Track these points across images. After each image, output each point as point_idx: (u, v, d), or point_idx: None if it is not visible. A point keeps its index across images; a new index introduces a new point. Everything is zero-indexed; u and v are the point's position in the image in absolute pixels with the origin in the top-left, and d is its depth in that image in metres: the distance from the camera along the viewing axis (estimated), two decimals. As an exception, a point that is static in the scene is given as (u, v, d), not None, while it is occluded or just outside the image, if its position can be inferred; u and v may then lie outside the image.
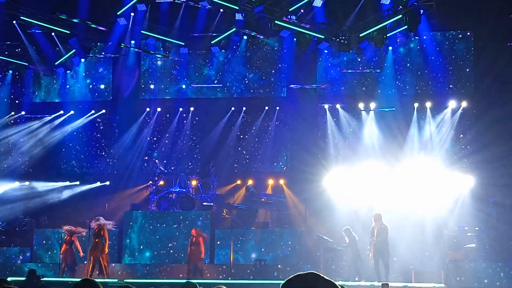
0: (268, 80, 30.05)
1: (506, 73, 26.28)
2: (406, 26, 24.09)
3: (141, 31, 27.82)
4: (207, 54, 29.91)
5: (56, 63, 29.09)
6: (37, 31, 28.06)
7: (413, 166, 27.36)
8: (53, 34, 28.63)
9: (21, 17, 27.11)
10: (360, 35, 24.42)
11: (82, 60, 29.73)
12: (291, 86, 28.89)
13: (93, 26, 26.90)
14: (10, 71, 30.56)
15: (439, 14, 26.61)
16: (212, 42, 27.58)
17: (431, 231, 25.07)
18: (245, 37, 28.33)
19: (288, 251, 25.72)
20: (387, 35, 25.08)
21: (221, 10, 26.48)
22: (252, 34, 26.40)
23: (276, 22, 24.76)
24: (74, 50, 28.76)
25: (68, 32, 27.97)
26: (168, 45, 28.44)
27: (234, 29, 26.63)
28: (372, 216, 22.41)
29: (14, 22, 27.51)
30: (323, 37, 25.03)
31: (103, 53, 30.15)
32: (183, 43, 28.24)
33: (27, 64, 28.86)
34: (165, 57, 28.55)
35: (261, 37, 27.28)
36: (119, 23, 27.33)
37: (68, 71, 29.82)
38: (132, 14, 27.20)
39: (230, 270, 24.45)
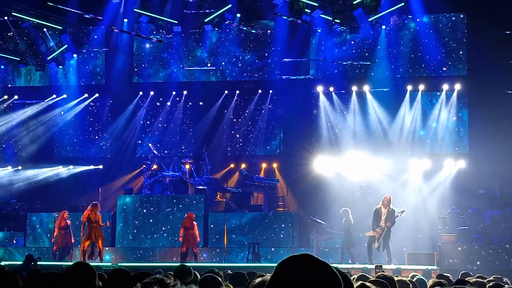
0: (261, 63, 29.98)
1: (500, 56, 26.27)
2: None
3: (134, 9, 27.71)
4: (200, 35, 29.84)
5: (48, 58, 29.03)
6: (29, 26, 28.07)
7: (407, 150, 27.47)
8: (45, 29, 28.66)
9: (12, 13, 27.01)
10: (354, 2, 24.29)
11: (74, 55, 29.71)
12: (284, 77, 28.86)
13: (85, 16, 26.76)
14: (2, 66, 30.59)
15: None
16: (205, 20, 27.47)
17: (423, 213, 25.17)
18: (238, 15, 28.22)
19: (281, 234, 25.77)
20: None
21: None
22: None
23: None
24: (66, 46, 28.77)
25: (60, 27, 28.02)
26: (161, 23, 28.36)
27: (229, 5, 26.63)
28: (385, 198, 22.16)
29: (6, 18, 27.44)
30: (316, 4, 24.90)
31: (95, 49, 30.19)
32: (176, 22, 28.15)
33: (19, 59, 28.81)
34: (159, 41, 28.47)
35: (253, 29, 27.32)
36: (111, 3, 27.20)
37: (60, 66, 29.73)
38: None
39: (223, 253, 24.50)
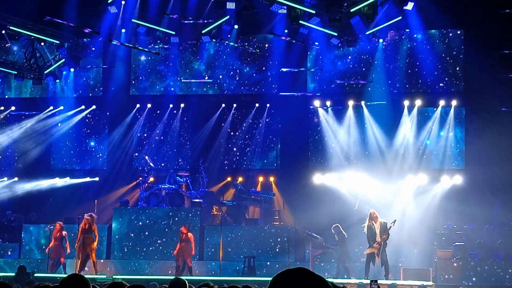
0: (259, 76, 30.03)
1: (496, 72, 26.33)
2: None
3: (132, 20, 27.78)
4: (198, 47, 29.91)
5: (45, 72, 29.07)
6: (26, 40, 28.16)
7: (404, 164, 27.49)
8: (42, 43, 28.74)
9: (10, 27, 27.08)
10: (351, 10, 24.35)
11: (72, 69, 29.75)
12: (281, 93, 28.90)
13: (83, 30, 26.81)
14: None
15: (430, 12, 26.71)
16: (203, 31, 27.54)
17: (419, 229, 25.15)
18: (236, 26, 28.29)
19: (277, 247, 25.73)
20: (378, 9, 24.95)
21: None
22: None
23: None
24: (63, 60, 28.83)
25: (57, 41, 28.10)
26: (158, 34, 28.43)
27: (227, 17, 26.71)
28: (371, 214, 22.07)
29: (3, 31, 27.50)
30: (314, 12, 24.96)
31: (92, 66, 30.29)
32: (173, 32, 28.20)
33: (16, 72, 28.85)
34: (156, 54, 28.52)
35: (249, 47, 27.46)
36: (109, 13, 27.25)
37: (57, 80, 29.77)
38: (123, 2, 27.19)
39: (219, 266, 24.45)
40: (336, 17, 24.63)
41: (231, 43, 28.44)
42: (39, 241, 27.00)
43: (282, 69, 28.73)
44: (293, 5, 24.45)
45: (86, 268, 22.95)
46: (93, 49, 30.27)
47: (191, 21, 27.48)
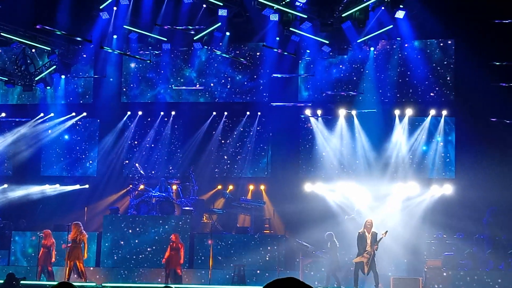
0: (250, 85, 30.05)
1: (487, 82, 26.39)
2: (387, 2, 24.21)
3: (124, 26, 27.76)
4: (189, 54, 29.92)
5: (36, 79, 29.03)
6: (17, 47, 28.10)
7: (394, 174, 27.51)
8: (33, 50, 28.69)
9: (1, 33, 27.04)
10: (343, 15, 24.38)
11: (62, 76, 29.70)
12: (272, 104, 28.91)
13: (75, 38, 26.77)
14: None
15: (421, 22, 26.80)
16: (194, 38, 27.54)
17: (409, 238, 25.16)
18: (228, 33, 28.29)
19: (267, 256, 25.70)
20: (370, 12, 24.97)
21: (204, 5, 26.47)
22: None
23: (259, 0, 24.67)
24: (54, 66, 28.79)
25: (49, 48, 28.07)
26: (150, 40, 28.43)
27: (219, 24, 26.73)
28: (367, 222, 21.92)
29: None
30: (305, 16, 24.99)
31: (80, 73, 30.40)
32: (165, 39, 28.20)
33: (6, 79, 28.79)
34: (148, 61, 28.51)
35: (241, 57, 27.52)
36: (101, 19, 27.22)
37: (48, 87, 29.71)
38: (115, 8, 27.18)
39: (208, 275, 24.39)
40: (328, 22, 24.64)
41: (223, 54, 28.46)
42: (28, 248, 26.88)
43: (274, 74, 28.73)
44: (285, 9, 24.47)
45: (74, 275, 22.80)
46: (84, 56, 30.23)
47: (183, 28, 27.47)
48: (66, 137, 30.97)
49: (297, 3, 24.48)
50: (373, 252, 21.62)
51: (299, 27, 25.39)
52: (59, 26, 26.35)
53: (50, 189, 29.75)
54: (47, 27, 25.07)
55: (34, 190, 29.71)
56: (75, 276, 22.63)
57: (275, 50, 27.26)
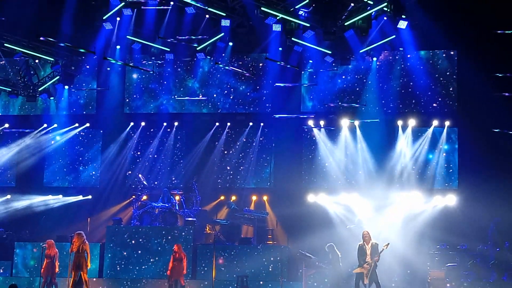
0: (253, 95, 30.09)
1: (490, 93, 26.40)
2: (389, 12, 24.18)
3: (127, 36, 27.82)
4: (191, 66, 29.96)
5: (39, 90, 29.09)
6: (21, 57, 28.18)
7: (397, 184, 27.50)
8: (37, 61, 28.76)
9: (5, 44, 27.10)
10: (345, 23, 24.40)
11: (66, 87, 29.75)
12: (275, 116, 28.94)
13: (76, 49, 26.84)
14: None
15: (424, 32, 26.82)
16: (197, 48, 27.59)
17: (412, 249, 25.11)
18: (230, 44, 28.33)
19: (270, 267, 25.65)
20: (372, 18, 24.95)
21: (207, 16, 26.53)
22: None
23: (262, 8, 24.68)
24: (58, 77, 28.85)
25: (52, 59, 28.15)
26: (153, 51, 28.49)
27: (222, 34, 26.77)
28: (364, 234, 21.84)
29: None
30: (308, 25, 25.00)
31: (84, 84, 30.50)
32: (168, 49, 28.26)
33: (10, 89, 28.86)
34: (151, 72, 28.56)
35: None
36: (104, 29, 27.29)
37: (51, 98, 29.77)
38: (118, 19, 27.23)
39: (211, 286, 24.36)
40: (331, 31, 24.65)
41: (226, 67, 28.53)
42: (31, 259, 26.85)
43: (277, 84, 28.73)
44: (288, 17, 24.49)
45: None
46: (88, 67, 30.26)
47: (186, 37, 27.52)
48: (69, 148, 30.97)
49: (301, 12, 24.51)
50: (374, 263, 21.53)
51: (302, 36, 25.40)
52: (63, 37, 26.38)
53: (53, 200, 29.76)
54: (51, 39, 25.14)
55: (37, 200, 29.73)
56: (86, 286, 22.46)
57: (278, 63, 27.29)
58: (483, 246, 25.43)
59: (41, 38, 25.34)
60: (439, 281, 23.44)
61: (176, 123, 30.33)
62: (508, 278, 24.04)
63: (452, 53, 28.65)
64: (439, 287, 23.37)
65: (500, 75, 25.95)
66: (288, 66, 27.12)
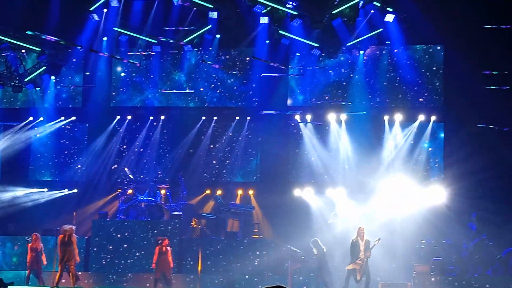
0: (240, 89, 30.05)
1: (475, 88, 26.48)
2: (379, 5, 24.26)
3: (114, 28, 27.71)
4: (179, 58, 29.90)
5: (25, 80, 28.93)
6: (7, 48, 27.99)
7: (383, 179, 27.50)
8: (23, 51, 28.57)
9: None
10: (333, 12, 24.38)
11: (52, 77, 29.59)
12: (262, 112, 28.91)
13: (63, 43, 26.72)
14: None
15: (411, 27, 26.86)
16: (184, 40, 27.51)
17: (397, 243, 25.16)
18: (218, 36, 28.26)
19: (256, 261, 25.65)
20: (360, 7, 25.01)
21: (194, 8, 26.45)
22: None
23: None
24: (44, 67, 28.69)
25: (39, 49, 27.97)
26: (140, 43, 28.41)
27: (209, 26, 26.71)
28: (360, 230, 21.78)
29: None
30: (296, 13, 24.98)
31: (70, 77, 30.30)
32: (155, 41, 28.18)
33: None
34: (138, 65, 28.48)
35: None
36: (91, 21, 27.17)
37: (38, 88, 29.62)
38: (105, 10, 27.12)
39: (197, 280, 24.35)
40: (318, 19, 24.66)
41: (214, 65, 28.48)
42: (17, 252, 26.76)
43: (263, 74, 28.67)
44: (276, 6, 24.45)
45: (63, 280, 22.67)
46: (74, 60, 30.09)
47: (173, 29, 27.45)
48: (55, 141, 30.83)
49: (288, 5, 24.50)
50: (366, 259, 21.55)
51: (290, 26, 25.36)
52: (49, 28, 26.28)
53: (38, 193, 29.62)
54: (38, 33, 25.02)
55: (22, 194, 29.59)
56: (71, 281, 22.37)
57: (266, 62, 27.22)
58: (467, 241, 25.44)
59: (29, 32, 25.18)
60: (424, 275, 23.52)
61: (162, 117, 30.25)
62: (493, 272, 24.15)
63: (439, 48, 28.71)
64: (424, 281, 23.43)
65: (487, 72, 26.02)
66: (276, 65, 27.07)
